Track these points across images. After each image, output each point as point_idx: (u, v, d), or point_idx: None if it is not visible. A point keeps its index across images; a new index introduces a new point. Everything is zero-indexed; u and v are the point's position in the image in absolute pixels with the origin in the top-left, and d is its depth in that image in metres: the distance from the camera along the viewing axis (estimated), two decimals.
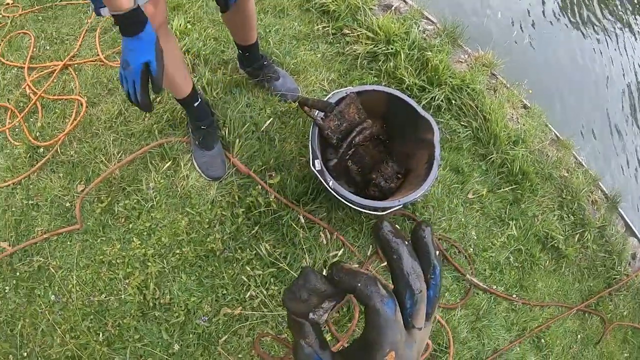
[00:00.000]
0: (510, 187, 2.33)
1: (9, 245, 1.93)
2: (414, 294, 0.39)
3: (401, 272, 0.40)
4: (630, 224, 2.71)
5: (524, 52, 3.12)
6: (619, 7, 3.87)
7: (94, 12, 1.36)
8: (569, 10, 3.68)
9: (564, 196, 2.48)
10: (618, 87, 3.52)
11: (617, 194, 2.67)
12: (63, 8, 2.61)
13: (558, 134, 2.67)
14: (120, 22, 1.12)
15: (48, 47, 2.45)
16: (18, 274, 1.87)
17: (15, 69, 2.40)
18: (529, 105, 2.64)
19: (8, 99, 2.30)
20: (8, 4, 2.73)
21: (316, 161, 1.63)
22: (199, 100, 1.81)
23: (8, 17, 2.61)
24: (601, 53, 3.53)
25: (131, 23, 1.12)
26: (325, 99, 1.72)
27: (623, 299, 2.52)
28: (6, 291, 1.84)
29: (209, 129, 1.90)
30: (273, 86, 2.13)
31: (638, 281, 2.58)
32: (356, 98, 1.78)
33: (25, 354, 1.75)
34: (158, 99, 2.17)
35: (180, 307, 1.76)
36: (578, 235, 2.44)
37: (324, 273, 0.43)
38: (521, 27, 3.35)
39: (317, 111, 1.71)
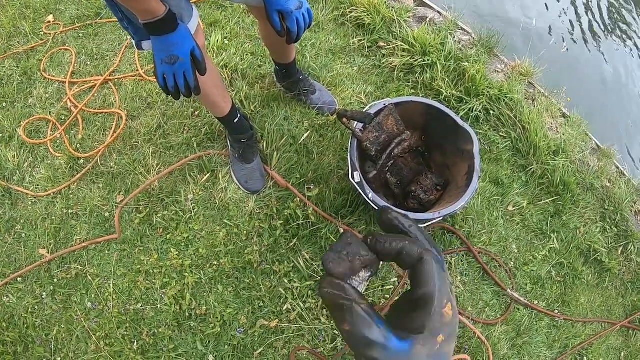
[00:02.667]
0: (551, 199, 2.29)
1: (48, 253, 1.96)
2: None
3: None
4: None
5: (561, 61, 3.07)
6: None
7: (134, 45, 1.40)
8: (611, 16, 3.66)
9: (606, 207, 2.41)
10: None
11: None
12: (103, 25, 2.69)
13: (599, 143, 2.61)
14: (160, 25, 1.15)
15: (89, 63, 2.53)
16: (56, 280, 1.90)
17: (57, 83, 2.46)
18: (568, 114, 2.59)
19: (50, 112, 2.37)
20: (49, 21, 2.83)
21: (355, 173, 1.62)
22: (238, 116, 1.83)
23: (50, 34, 2.70)
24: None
25: (170, 21, 1.15)
26: (363, 111, 1.73)
27: None
28: (43, 297, 1.87)
29: (249, 143, 1.92)
30: (310, 100, 2.15)
31: None
32: (394, 109, 1.76)
33: (59, 359, 1.77)
34: (197, 113, 2.21)
35: (216, 318, 1.76)
36: (621, 247, 2.37)
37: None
38: (562, 38, 3.32)
39: (356, 123, 1.70)
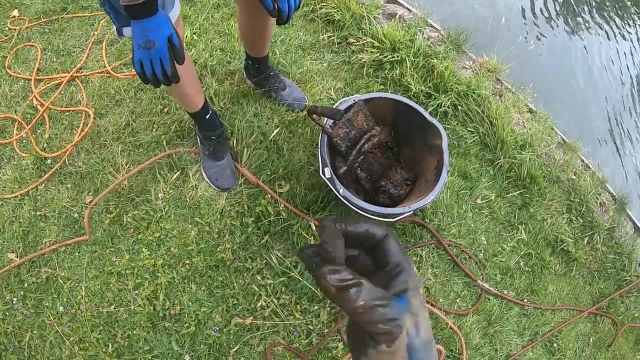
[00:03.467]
0: (518, 192, 2.34)
1: (17, 257, 1.92)
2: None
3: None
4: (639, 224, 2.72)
5: (528, 57, 3.13)
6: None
7: (115, 31, 1.36)
8: (571, 13, 3.73)
9: (572, 199, 2.49)
10: (622, 86, 3.57)
11: (624, 196, 2.68)
12: (69, 20, 2.62)
13: (564, 137, 2.69)
14: (139, 9, 1.13)
15: (55, 60, 2.47)
16: (26, 285, 1.86)
17: (23, 81, 2.40)
18: (534, 109, 2.65)
19: (15, 111, 2.30)
20: (14, 16, 2.74)
21: (326, 169, 1.64)
22: (210, 112, 1.83)
23: (15, 29, 2.63)
24: (600, 54, 3.58)
25: (149, 6, 1.14)
26: (333, 107, 1.73)
27: (634, 300, 2.51)
28: (14, 302, 1.83)
29: (219, 140, 1.91)
30: (280, 96, 2.14)
31: None
32: (364, 106, 1.78)
33: None
34: (166, 110, 2.18)
35: (191, 317, 1.76)
36: (587, 237, 2.45)
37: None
38: (529, 35, 3.38)
39: (326, 119, 1.71)
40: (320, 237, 0.45)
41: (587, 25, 3.73)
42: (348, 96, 2.07)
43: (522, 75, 2.76)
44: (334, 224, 0.44)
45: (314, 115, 1.70)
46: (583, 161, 2.69)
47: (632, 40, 3.78)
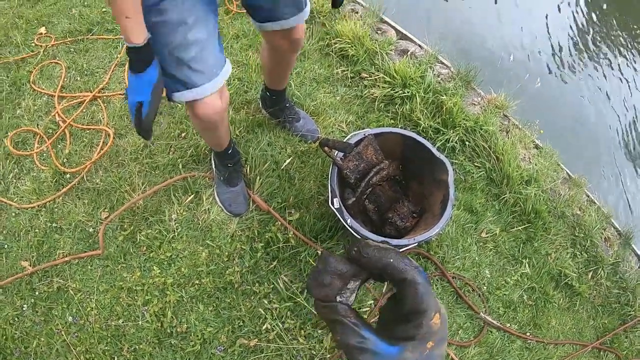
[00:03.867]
0: (523, 226, 2.38)
1: (30, 265, 1.97)
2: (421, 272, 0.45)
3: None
4: None
5: (536, 94, 3.22)
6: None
7: (166, 96, 1.42)
8: (578, 50, 3.84)
9: (576, 234, 2.51)
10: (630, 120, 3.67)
11: (629, 231, 2.69)
12: (94, 42, 2.73)
13: (570, 173, 2.74)
14: (129, 55, 1.18)
15: (78, 78, 2.57)
16: (37, 293, 1.91)
17: (46, 96, 2.50)
18: (541, 145, 2.71)
19: (37, 125, 2.39)
20: (41, 33, 2.86)
21: (335, 199, 1.71)
22: (232, 146, 1.92)
23: (41, 46, 2.74)
24: (607, 94, 3.67)
25: (137, 59, 1.18)
26: (344, 140, 1.81)
27: (639, 335, 2.51)
28: (24, 309, 1.88)
29: (235, 167, 1.99)
30: (294, 127, 2.23)
31: None
32: (374, 140, 1.86)
33: None
34: (183, 135, 2.28)
35: (197, 336, 1.81)
36: (591, 272, 2.47)
37: (343, 253, 0.46)
38: (539, 72, 3.47)
39: (337, 152, 1.79)
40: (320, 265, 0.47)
41: (594, 60, 3.83)
42: (359, 129, 2.16)
43: (530, 112, 2.83)
44: (345, 251, 0.46)
45: (326, 148, 1.78)
46: (588, 196, 2.72)
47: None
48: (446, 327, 0.44)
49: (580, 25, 4.08)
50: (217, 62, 1.37)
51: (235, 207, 2.01)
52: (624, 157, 3.51)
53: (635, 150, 3.58)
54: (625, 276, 2.55)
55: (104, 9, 2.94)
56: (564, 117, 3.41)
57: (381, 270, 0.44)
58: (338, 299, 0.46)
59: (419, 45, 2.85)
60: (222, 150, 1.87)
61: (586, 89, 3.64)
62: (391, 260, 0.43)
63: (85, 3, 3.03)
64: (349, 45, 2.61)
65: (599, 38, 4.00)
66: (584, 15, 4.15)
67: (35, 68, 2.63)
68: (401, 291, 0.44)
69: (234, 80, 2.46)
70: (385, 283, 1.69)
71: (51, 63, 2.67)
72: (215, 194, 2.07)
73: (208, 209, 2.05)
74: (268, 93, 2.13)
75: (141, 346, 1.79)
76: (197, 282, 1.91)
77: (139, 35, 1.14)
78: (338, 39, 2.63)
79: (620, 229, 2.72)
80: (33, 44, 2.77)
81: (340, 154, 1.80)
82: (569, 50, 3.85)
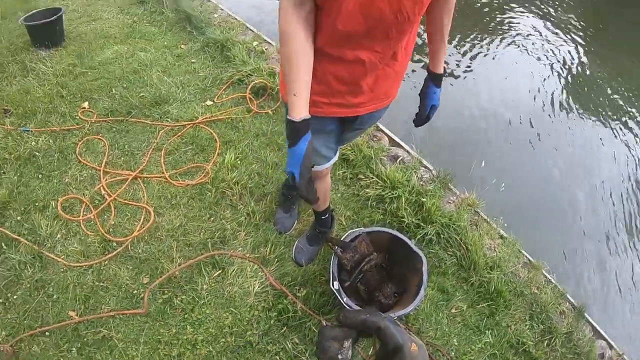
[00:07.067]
0: (487, 303, 2.68)
1: (77, 315, 2.26)
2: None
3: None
4: (597, 327, 2.92)
5: (502, 193, 3.72)
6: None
7: None
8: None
9: (533, 309, 2.77)
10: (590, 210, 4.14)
11: (582, 305, 2.91)
12: (133, 124, 3.20)
13: (530, 258, 3.08)
14: (286, 126, 1.35)
15: (120, 157, 3.01)
16: (84, 339, 2.18)
17: (92, 170, 2.92)
18: (505, 235, 3.09)
19: (84, 194, 2.76)
20: (84, 108, 3.29)
21: (335, 282, 2.18)
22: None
23: (86, 120, 3.16)
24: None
25: (292, 133, 1.32)
26: (342, 239, 2.34)
27: None
28: (72, 351, 2.14)
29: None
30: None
31: None
32: (367, 237, 2.35)
33: None
34: (212, 219, 2.71)
35: None
36: (547, 340, 2.67)
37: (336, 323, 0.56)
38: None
39: (337, 247, 2.31)
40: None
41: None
42: (354, 224, 2.66)
43: (498, 207, 3.31)
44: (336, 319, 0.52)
45: (329, 243, 2.35)
46: (546, 276, 3.02)
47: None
48: (425, 352, 0.51)
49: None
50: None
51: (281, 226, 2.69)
52: (582, 238, 3.92)
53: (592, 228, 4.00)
54: (578, 343, 2.72)
55: (141, 94, 3.41)
56: (529, 210, 3.88)
57: (362, 326, 0.52)
58: (339, 357, 0.54)
59: (407, 151, 3.34)
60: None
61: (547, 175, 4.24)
62: (367, 316, 0.52)
63: (124, 85, 3.49)
64: (350, 151, 3.10)
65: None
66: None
67: (80, 140, 3.04)
68: (381, 337, 0.51)
69: (253, 175, 2.92)
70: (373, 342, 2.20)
71: (95, 138, 3.10)
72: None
73: (232, 282, 2.41)
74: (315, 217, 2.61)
75: None
76: (222, 340, 2.21)
77: (299, 113, 1.31)
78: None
79: (575, 303, 2.97)
80: (77, 117, 3.17)
81: (340, 248, 2.32)
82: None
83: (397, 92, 1.79)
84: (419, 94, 1.89)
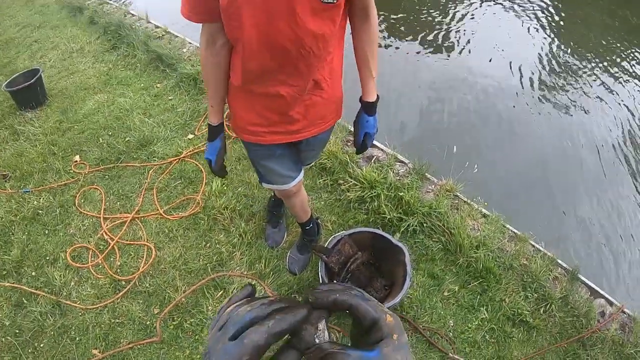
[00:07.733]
0: (478, 282, 2.76)
1: (99, 352, 2.43)
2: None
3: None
4: (594, 286, 2.91)
5: (477, 174, 3.81)
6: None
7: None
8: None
9: (524, 279, 2.81)
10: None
11: (576, 267, 2.92)
12: (124, 169, 3.40)
13: (516, 231, 3.12)
14: (208, 129, 1.80)
15: (116, 202, 3.20)
16: None
17: (93, 218, 3.14)
18: (488, 213, 3.16)
19: (89, 241, 2.96)
20: (76, 161, 3.50)
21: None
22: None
23: (80, 173, 3.36)
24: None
25: (211, 133, 1.79)
26: (327, 242, 2.54)
27: (600, 351, 2.64)
28: None
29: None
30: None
31: (610, 333, 2.68)
32: (349, 239, 2.55)
33: None
34: (208, 245, 2.91)
35: None
36: (543, 307, 2.71)
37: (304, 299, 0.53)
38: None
39: (322, 254, 2.50)
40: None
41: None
42: (340, 227, 2.85)
43: (476, 188, 3.39)
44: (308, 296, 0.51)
45: (314, 251, 2.55)
46: (534, 246, 3.06)
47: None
48: (400, 322, 0.51)
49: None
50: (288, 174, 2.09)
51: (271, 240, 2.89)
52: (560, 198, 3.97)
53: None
54: (576, 305, 2.70)
55: (127, 139, 3.61)
56: (508, 183, 3.97)
57: (333, 306, 0.50)
58: (317, 340, 0.53)
59: (381, 149, 3.47)
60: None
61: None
62: (336, 296, 0.50)
63: (110, 133, 3.69)
64: (327, 159, 3.26)
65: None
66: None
67: (78, 192, 3.23)
68: (354, 314, 0.50)
69: (240, 197, 3.11)
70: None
71: (91, 188, 3.29)
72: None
73: None
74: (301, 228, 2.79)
75: None
76: None
77: (218, 119, 1.77)
78: None
79: (567, 267, 2.99)
80: (71, 171, 3.36)
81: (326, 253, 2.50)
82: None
83: (339, 114, 1.90)
84: (353, 123, 1.92)
